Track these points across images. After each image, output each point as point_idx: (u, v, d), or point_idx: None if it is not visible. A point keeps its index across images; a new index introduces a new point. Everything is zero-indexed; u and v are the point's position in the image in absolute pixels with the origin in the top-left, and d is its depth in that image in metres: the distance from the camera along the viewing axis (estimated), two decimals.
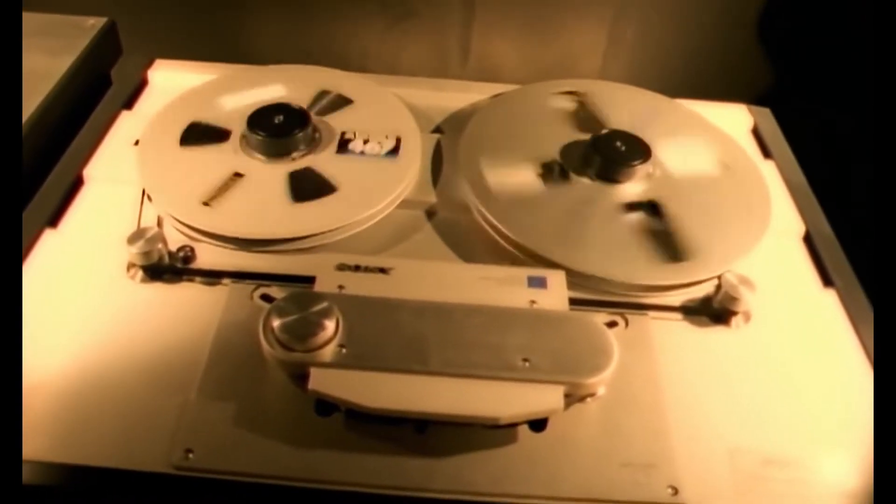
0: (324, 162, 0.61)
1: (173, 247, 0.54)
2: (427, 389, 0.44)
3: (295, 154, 0.61)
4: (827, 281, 0.58)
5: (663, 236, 0.57)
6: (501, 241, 0.57)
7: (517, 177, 0.61)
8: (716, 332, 0.54)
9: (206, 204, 0.56)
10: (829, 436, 0.48)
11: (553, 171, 0.62)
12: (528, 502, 0.44)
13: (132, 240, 0.52)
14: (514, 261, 0.55)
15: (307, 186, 0.58)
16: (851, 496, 0.45)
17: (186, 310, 0.51)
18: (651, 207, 0.59)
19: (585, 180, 0.61)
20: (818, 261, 0.60)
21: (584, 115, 0.68)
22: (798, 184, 0.67)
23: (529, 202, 0.59)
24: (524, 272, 0.51)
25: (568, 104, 0.70)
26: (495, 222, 0.57)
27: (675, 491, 0.44)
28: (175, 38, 0.85)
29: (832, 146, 0.71)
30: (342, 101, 0.67)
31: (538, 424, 0.46)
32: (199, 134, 0.62)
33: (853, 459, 0.47)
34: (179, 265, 0.54)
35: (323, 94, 0.68)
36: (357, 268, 0.51)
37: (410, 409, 0.44)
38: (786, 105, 0.75)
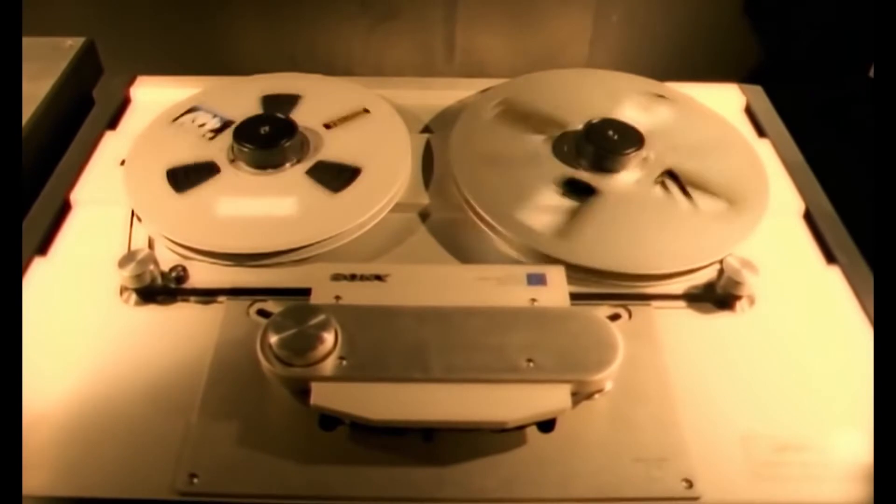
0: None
1: (165, 267, 0.53)
2: (431, 397, 0.43)
3: (285, 165, 0.60)
4: (830, 258, 0.57)
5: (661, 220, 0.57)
6: (498, 240, 0.56)
7: (511, 174, 0.60)
8: (721, 318, 0.53)
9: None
10: (843, 415, 0.47)
11: (548, 166, 0.61)
12: None
13: (123, 263, 0.52)
14: (512, 259, 0.54)
15: None
16: (868, 475, 0.45)
17: (183, 330, 0.51)
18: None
19: (581, 172, 0.60)
20: (820, 238, 0.59)
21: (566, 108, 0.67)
22: (794, 161, 0.66)
23: (524, 198, 0.58)
24: (523, 270, 0.50)
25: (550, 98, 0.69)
26: (491, 221, 0.56)
27: (690, 484, 0.43)
28: (156, 53, 0.84)
29: (825, 122, 0.70)
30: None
31: (546, 425, 0.45)
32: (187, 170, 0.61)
33: (868, 437, 0.46)
34: (173, 286, 0.53)
35: (297, 98, 0.66)
36: (353, 277, 0.50)
37: (416, 418, 0.43)
38: (777, 83, 0.74)
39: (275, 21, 0.82)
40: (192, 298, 0.53)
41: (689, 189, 0.59)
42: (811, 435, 0.46)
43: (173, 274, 0.53)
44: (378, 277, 0.50)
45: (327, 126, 0.63)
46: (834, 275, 0.56)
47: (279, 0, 0.80)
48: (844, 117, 0.78)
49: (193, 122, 0.64)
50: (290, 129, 0.61)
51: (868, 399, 0.48)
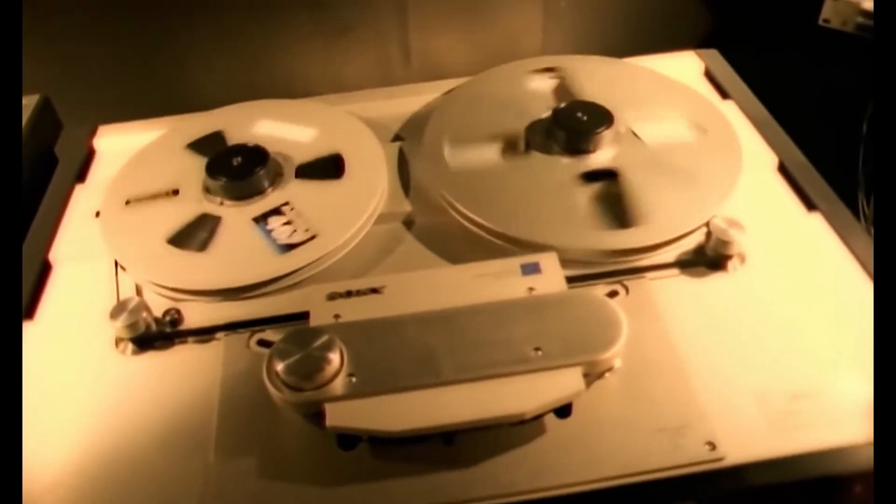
0: (291, 195, 0.60)
1: (158, 312, 0.53)
2: (447, 400, 0.43)
3: (261, 193, 0.59)
4: (810, 205, 0.58)
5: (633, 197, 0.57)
6: (486, 235, 0.56)
7: (488, 168, 0.60)
8: (715, 279, 0.53)
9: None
10: (848, 356, 0.48)
11: (521, 152, 0.61)
12: (572, 490, 0.43)
13: (115, 314, 0.51)
14: (503, 252, 0.54)
15: None
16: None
17: (186, 372, 0.50)
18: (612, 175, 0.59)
19: (555, 157, 0.61)
20: (797, 188, 0.60)
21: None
22: (761, 117, 0.67)
23: (506, 191, 0.58)
24: (516, 261, 0.50)
25: (524, 88, 0.69)
26: (476, 217, 0.56)
27: (713, 446, 0.44)
28: (114, 100, 0.83)
29: (780, 83, 0.71)
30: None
31: (563, 411, 0.45)
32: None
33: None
34: (168, 329, 0.52)
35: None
36: (349, 293, 0.50)
37: (434, 424, 0.43)
38: (731, 46, 0.75)
39: (230, 51, 0.81)
40: (190, 339, 0.52)
41: (664, 157, 0.60)
42: (822, 380, 0.47)
43: (167, 318, 0.52)
44: (374, 290, 0.50)
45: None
46: (816, 221, 0.57)
47: (232, 29, 0.80)
48: (800, 72, 0.80)
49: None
50: (262, 156, 0.60)
51: (867, 335, 0.49)
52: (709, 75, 0.73)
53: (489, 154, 0.62)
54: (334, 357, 0.44)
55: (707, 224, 0.54)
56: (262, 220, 0.57)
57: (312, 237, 0.55)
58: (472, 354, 0.45)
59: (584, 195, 0.58)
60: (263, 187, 0.60)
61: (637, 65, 0.71)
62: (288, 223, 0.57)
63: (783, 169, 0.62)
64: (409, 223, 0.59)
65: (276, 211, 0.58)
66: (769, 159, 0.63)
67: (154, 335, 0.52)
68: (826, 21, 0.67)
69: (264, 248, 0.55)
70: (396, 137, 0.67)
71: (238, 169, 0.59)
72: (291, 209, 0.58)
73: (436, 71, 0.84)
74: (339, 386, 0.44)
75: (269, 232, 0.56)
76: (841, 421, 0.45)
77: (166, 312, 0.53)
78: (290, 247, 0.55)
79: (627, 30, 0.87)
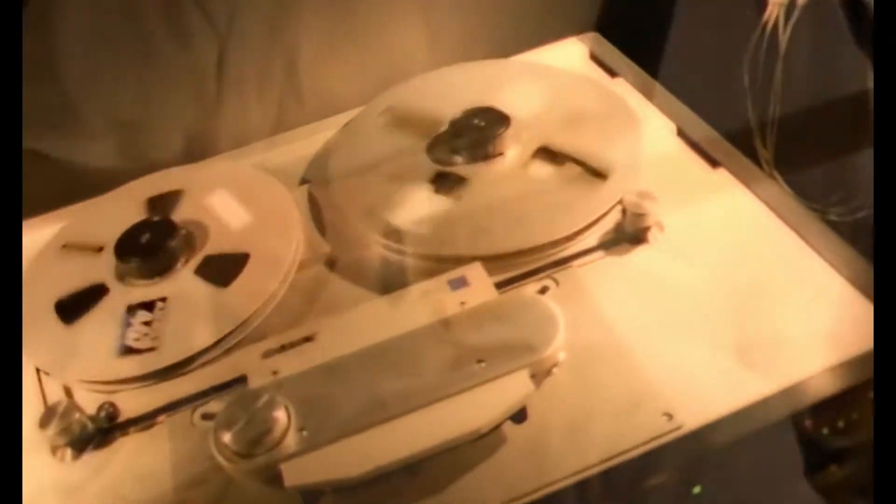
0: (177, 291, 0.57)
1: (91, 409, 0.51)
2: (401, 433, 0.43)
3: (175, 266, 0.58)
4: (714, 163, 0.60)
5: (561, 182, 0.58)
6: (409, 259, 0.56)
7: (397, 191, 0.60)
8: (640, 253, 0.54)
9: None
10: (780, 299, 0.50)
11: (429, 172, 0.61)
12: (550, 489, 0.43)
13: (45, 421, 0.48)
14: (430, 272, 0.54)
15: None
16: (829, 330, 0.47)
17: (134, 465, 0.48)
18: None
19: (459, 168, 0.61)
20: (699, 149, 0.62)
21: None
22: (651, 89, 0.69)
23: (420, 210, 0.58)
24: (443, 279, 0.50)
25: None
26: (394, 243, 0.56)
27: (670, 416, 0.44)
28: None
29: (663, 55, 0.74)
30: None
31: (519, 416, 0.45)
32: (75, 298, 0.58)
33: (815, 297, 0.49)
34: (106, 425, 0.50)
35: (178, 194, 0.65)
36: (283, 347, 0.49)
37: (393, 459, 0.42)
38: (613, 30, 0.76)
39: (120, 124, 0.79)
40: (132, 429, 0.50)
41: (568, 145, 0.61)
42: (761, 328, 0.48)
43: (102, 413, 0.50)
44: (307, 339, 0.49)
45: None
46: (723, 176, 0.59)
47: (117, 100, 0.77)
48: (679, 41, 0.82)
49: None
50: (171, 229, 0.59)
51: (797, 273, 0.50)
52: (594, 58, 0.75)
53: (398, 178, 0.62)
54: (280, 415, 0.43)
55: (621, 201, 0.55)
56: (134, 310, 0.55)
57: (151, 349, 0.52)
58: (417, 381, 0.44)
59: (492, 200, 0.58)
60: (175, 261, 0.58)
61: (522, 61, 0.72)
62: (147, 323, 0.54)
63: (682, 133, 0.63)
64: (331, 263, 0.58)
65: (148, 305, 0.55)
66: (667, 127, 0.64)
67: (91, 434, 0.49)
68: None
69: (186, 322, 0.54)
70: (303, 181, 0.67)
71: (147, 246, 0.57)
72: (162, 309, 0.55)
73: (331, 106, 0.84)
74: (291, 443, 0.43)
75: (128, 325, 0.54)
76: (799, 350, 0.46)
77: (100, 408, 0.50)
78: (129, 350, 0.53)
79: (511, 27, 0.88)
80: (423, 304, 0.49)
